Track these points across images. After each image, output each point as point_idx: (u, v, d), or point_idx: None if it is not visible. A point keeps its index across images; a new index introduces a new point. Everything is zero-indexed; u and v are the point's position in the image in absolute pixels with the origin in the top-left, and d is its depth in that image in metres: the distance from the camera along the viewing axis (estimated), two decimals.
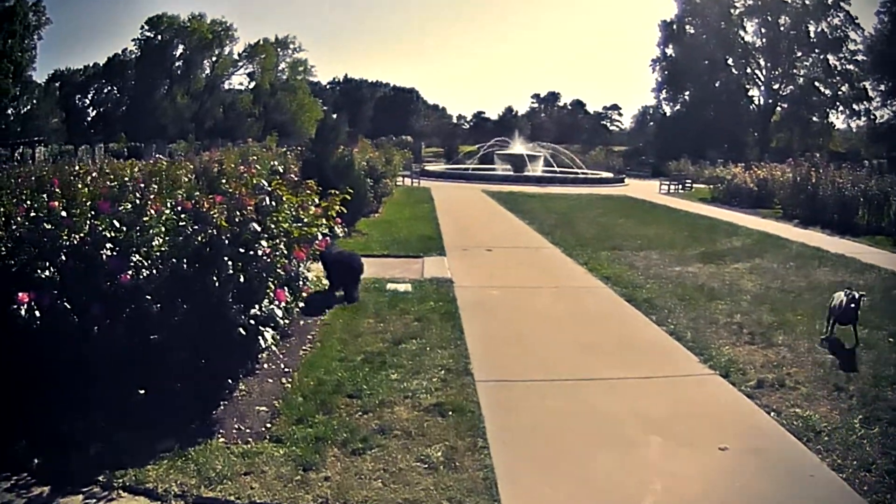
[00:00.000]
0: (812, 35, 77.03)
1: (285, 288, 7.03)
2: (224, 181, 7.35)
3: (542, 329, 9.72)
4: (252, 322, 6.44)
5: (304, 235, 7.75)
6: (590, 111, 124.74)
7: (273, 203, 6.86)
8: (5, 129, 66.73)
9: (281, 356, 8.11)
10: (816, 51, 76.96)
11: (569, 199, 32.79)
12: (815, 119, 79.05)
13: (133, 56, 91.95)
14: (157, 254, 6.48)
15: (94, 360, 6.04)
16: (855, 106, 76.13)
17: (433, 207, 26.30)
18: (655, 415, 6.76)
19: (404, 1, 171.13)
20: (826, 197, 25.16)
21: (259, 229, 6.37)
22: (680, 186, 42.37)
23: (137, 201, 6.63)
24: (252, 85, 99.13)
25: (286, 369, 7.75)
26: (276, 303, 6.66)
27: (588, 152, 71.99)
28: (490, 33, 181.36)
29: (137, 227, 6.45)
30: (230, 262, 6.20)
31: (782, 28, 77.53)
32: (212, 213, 6.25)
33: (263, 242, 6.47)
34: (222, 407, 6.65)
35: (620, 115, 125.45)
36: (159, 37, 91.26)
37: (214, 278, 6.20)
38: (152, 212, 6.61)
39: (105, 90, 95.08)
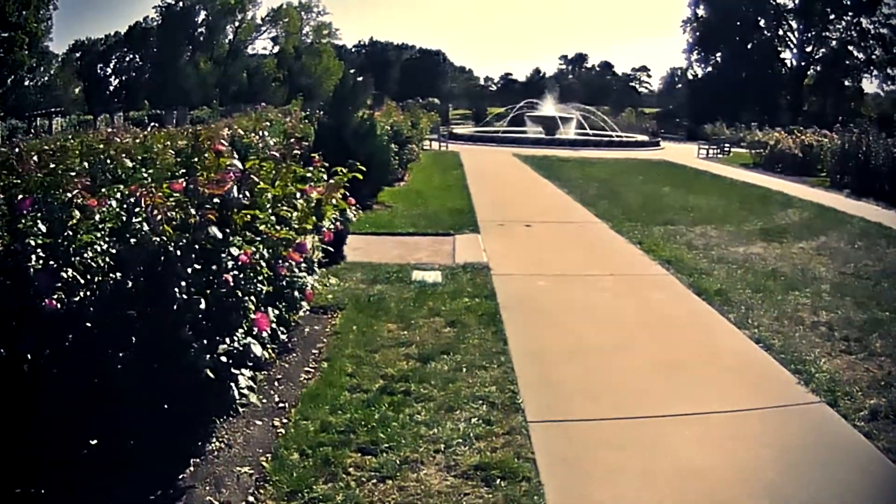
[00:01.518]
0: None
1: (270, 308, 5.24)
2: (196, 160, 5.55)
3: (605, 338, 7.82)
4: (224, 359, 4.66)
5: (295, 234, 5.93)
6: (618, 73, 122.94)
7: (243, 195, 4.89)
8: (23, 101, 65.58)
9: (276, 383, 6.36)
10: (850, 13, 74.29)
11: (606, 164, 30.67)
12: (847, 83, 76.88)
13: (155, 23, 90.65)
14: (96, 268, 4.71)
15: (31, 404, 4.43)
16: (889, 70, 73.76)
17: (463, 174, 24.31)
18: (761, 470, 5.04)
19: None
20: (878, 166, 23.14)
21: (221, 235, 4.49)
22: (719, 151, 40.30)
23: (69, 195, 4.81)
24: (276, 49, 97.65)
25: (281, 403, 5.97)
26: (256, 332, 4.85)
27: (619, 114, 69.59)
28: None
29: (68, 231, 4.67)
30: (185, 283, 4.40)
31: None
32: (156, 212, 4.35)
33: (235, 251, 4.66)
34: (192, 468, 4.88)
35: (649, 76, 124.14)
36: (181, 3, 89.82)
37: (167, 304, 4.41)
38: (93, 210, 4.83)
39: (127, 59, 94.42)
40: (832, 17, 75.20)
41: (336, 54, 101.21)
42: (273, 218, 5.63)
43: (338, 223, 8.44)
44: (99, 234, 4.79)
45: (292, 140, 17.45)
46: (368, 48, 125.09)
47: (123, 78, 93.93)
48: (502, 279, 9.95)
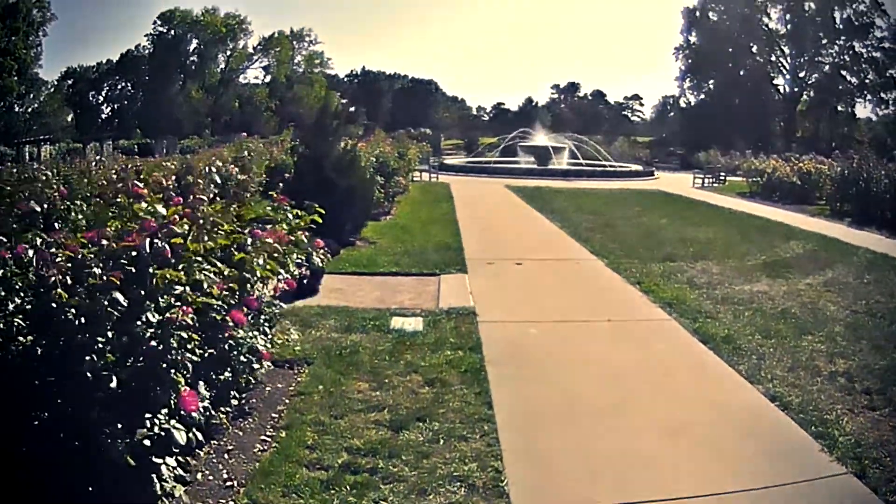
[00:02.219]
0: (838, 21, 74.33)
1: (202, 382, 4.39)
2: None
3: (603, 397, 6.96)
4: (146, 444, 3.82)
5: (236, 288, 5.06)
6: (610, 101, 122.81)
7: (159, 249, 3.97)
8: (12, 128, 64.90)
9: (227, 455, 5.51)
10: (842, 38, 74.36)
11: (600, 195, 29.88)
12: (840, 108, 76.68)
13: (146, 51, 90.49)
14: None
15: None
16: (882, 94, 73.61)
17: (452, 207, 23.51)
18: None
19: None
20: (880, 193, 22.58)
21: (126, 302, 3.63)
22: (714, 180, 39.78)
23: None
24: (268, 78, 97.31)
25: (229, 481, 5.12)
26: (183, 413, 3.99)
27: (611, 143, 69.05)
28: (508, 23, 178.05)
29: None
30: (92, 356, 3.56)
31: (807, 14, 74.96)
32: (53, 270, 3.49)
33: (151, 316, 3.81)
34: None
35: (642, 104, 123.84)
36: (172, 31, 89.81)
37: (71, 381, 3.57)
38: None
39: (119, 86, 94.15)
40: (825, 41, 75.17)
41: (328, 84, 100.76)
42: (209, 275, 4.68)
43: (304, 268, 7.56)
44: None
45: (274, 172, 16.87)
46: (360, 77, 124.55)
47: (115, 106, 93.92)
48: (489, 327, 9.10)
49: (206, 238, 4.67)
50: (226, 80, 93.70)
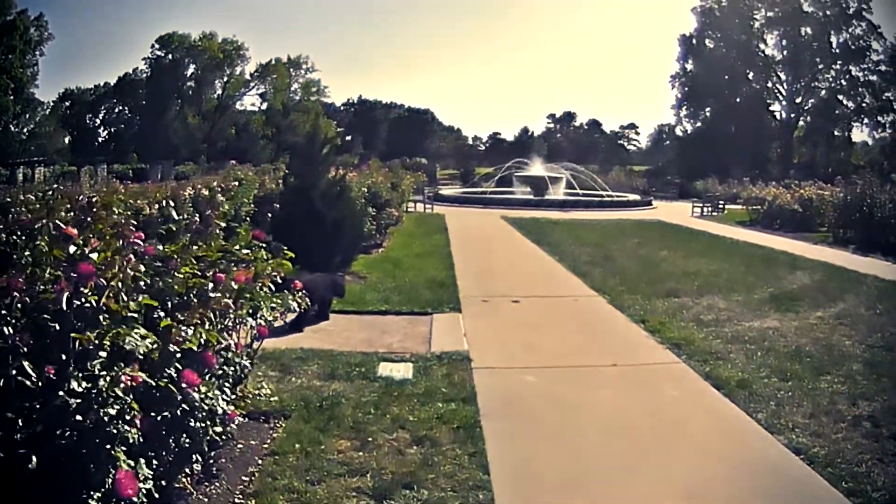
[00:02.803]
0: (834, 46, 74.72)
1: (152, 452, 3.70)
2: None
3: (610, 456, 6.25)
4: None
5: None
6: (606, 130, 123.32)
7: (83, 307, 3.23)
8: (7, 148, 64.35)
9: None
10: (839, 62, 74.56)
11: (598, 225, 29.31)
12: (837, 133, 76.79)
13: (144, 75, 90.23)
14: None
15: None
16: (879, 118, 73.78)
17: (447, 240, 22.84)
18: None
19: (418, 22, 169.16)
20: (885, 218, 22.40)
21: (35, 376, 2.92)
22: (713, 209, 39.38)
23: None
24: (264, 105, 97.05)
25: None
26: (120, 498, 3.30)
27: (607, 172, 68.68)
28: (505, 53, 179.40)
29: None
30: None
31: (804, 39, 75.10)
32: None
33: (76, 385, 3.12)
34: None
35: (637, 133, 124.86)
36: (170, 56, 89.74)
37: None
38: None
39: (116, 110, 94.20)
40: (821, 66, 75.29)
41: (325, 112, 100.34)
42: (135, 339, 3.90)
43: (278, 314, 6.86)
44: None
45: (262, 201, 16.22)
46: (357, 106, 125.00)
47: (112, 129, 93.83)
48: (485, 374, 8.41)
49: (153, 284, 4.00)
50: (222, 106, 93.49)
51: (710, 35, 79.12)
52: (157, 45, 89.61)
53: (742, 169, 58.61)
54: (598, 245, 21.68)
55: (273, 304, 6.30)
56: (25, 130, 75.44)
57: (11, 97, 63.36)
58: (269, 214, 15.91)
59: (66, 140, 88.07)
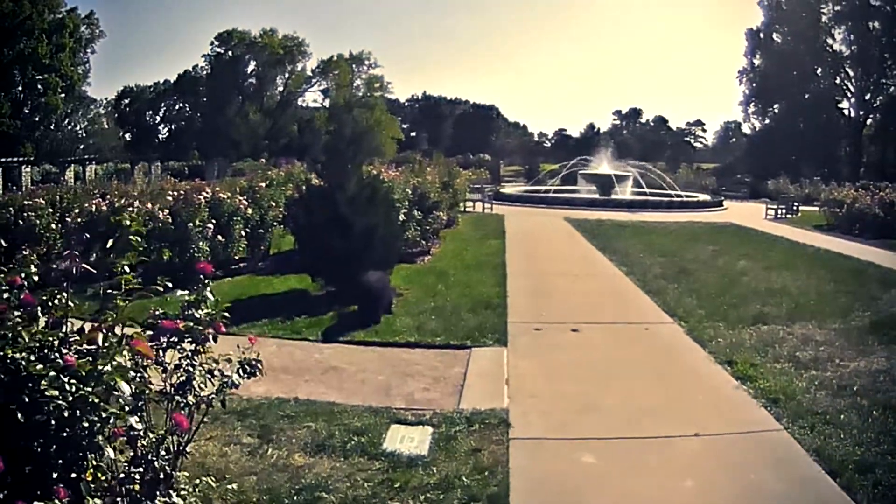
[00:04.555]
0: None
1: None
2: None
3: None
4: None
5: None
6: (672, 127, 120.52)
7: None
8: (58, 146, 63.94)
9: None
10: None
11: (668, 230, 26.62)
12: None
13: (204, 72, 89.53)
14: None
15: None
16: None
17: (503, 246, 20.60)
18: None
19: (483, 17, 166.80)
20: None
21: None
22: (787, 210, 36.64)
23: None
24: (326, 102, 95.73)
25: None
26: None
27: (675, 171, 65.64)
28: (571, 48, 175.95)
29: None
30: None
31: (872, 34, 70.68)
32: None
33: None
34: None
35: (704, 130, 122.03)
36: (230, 52, 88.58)
37: None
38: None
39: (177, 107, 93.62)
40: (890, 62, 70.91)
41: (388, 108, 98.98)
42: None
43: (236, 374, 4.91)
44: None
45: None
46: (421, 102, 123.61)
47: (173, 126, 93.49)
48: (526, 451, 6.25)
49: None
50: (284, 103, 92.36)
51: (778, 29, 75.24)
52: (216, 42, 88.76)
53: (811, 168, 56.10)
54: (670, 254, 19.29)
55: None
56: (78, 128, 75.26)
57: (62, 95, 62.61)
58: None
59: (127, 137, 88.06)
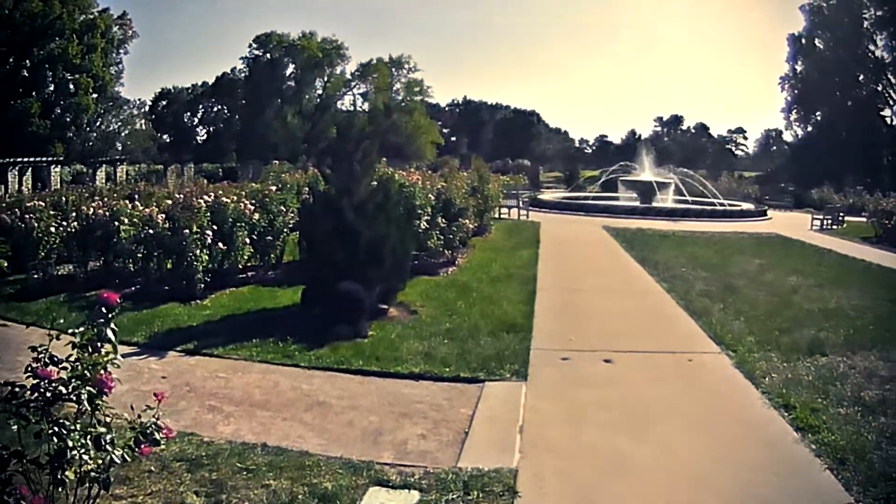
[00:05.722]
0: None
1: None
2: None
3: None
4: None
5: None
6: (713, 134, 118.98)
7: None
8: (89, 147, 63.64)
9: None
10: None
11: (711, 241, 24.99)
12: None
13: (242, 74, 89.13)
14: None
15: None
16: None
17: (535, 257, 19.15)
18: None
19: (524, 23, 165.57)
20: None
21: None
22: (832, 221, 34.85)
23: None
24: (366, 105, 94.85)
25: None
26: None
27: (716, 178, 63.69)
28: (612, 54, 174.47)
29: None
30: None
31: None
32: None
33: None
34: None
35: (745, 138, 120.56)
36: (268, 55, 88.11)
37: None
38: None
39: (215, 109, 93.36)
40: None
41: (428, 112, 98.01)
42: None
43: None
44: None
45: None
46: (462, 107, 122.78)
47: (211, 128, 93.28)
48: None
49: None
50: (323, 106, 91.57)
51: (820, 35, 73.14)
52: (254, 45, 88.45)
53: (854, 177, 54.51)
54: (715, 268, 17.73)
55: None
56: (110, 129, 74.96)
57: (94, 96, 62.19)
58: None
59: (165, 139, 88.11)
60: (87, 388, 3.67)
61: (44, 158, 44.75)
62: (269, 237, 14.96)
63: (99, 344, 3.99)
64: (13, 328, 8.99)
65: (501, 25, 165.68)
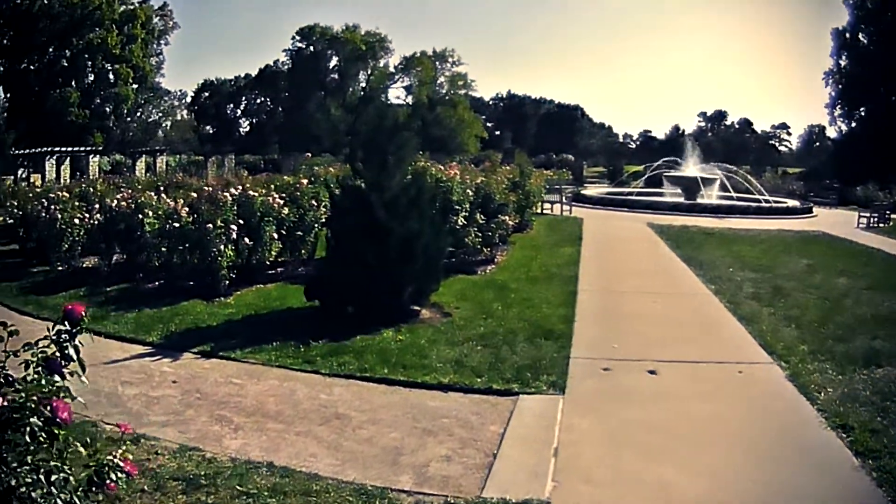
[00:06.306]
0: None
1: None
2: None
3: None
4: None
5: None
6: (757, 130, 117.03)
7: None
8: (129, 137, 63.90)
9: None
10: None
11: (757, 239, 24.07)
12: None
13: (285, 67, 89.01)
14: None
15: None
16: None
17: (577, 254, 18.41)
18: None
19: (568, 17, 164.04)
20: None
21: None
22: (879, 219, 33.72)
23: None
24: (409, 99, 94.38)
25: None
26: None
27: (760, 174, 62.30)
28: (656, 49, 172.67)
29: None
30: None
31: None
32: None
33: None
34: None
35: (789, 133, 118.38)
36: (311, 48, 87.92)
37: None
38: None
39: (258, 101, 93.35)
40: None
41: (472, 106, 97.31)
42: None
43: None
44: None
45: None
46: (506, 101, 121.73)
47: (254, 120, 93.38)
48: None
49: None
50: (366, 99, 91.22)
51: (863, 29, 70.42)
52: (297, 37, 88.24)
53: None
54: (762, 268, 16.89)
55: None
56: (150, 119, 75.25)
57: (134, 86, 62.44)
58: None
59: (207, 129, 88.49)
60: (34, 418, 3.09)
61: (82, 148, 44.77)
62: (300, 232, 14.46)
63: (62, 363, 3.42)
64: (25, 323, 8.54)
65: (545, 19, 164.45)
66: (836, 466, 6.11)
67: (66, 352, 3.40)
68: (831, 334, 10.51)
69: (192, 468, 5.59)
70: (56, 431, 3.24)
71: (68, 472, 3.25)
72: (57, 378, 3.36)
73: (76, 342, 3.45)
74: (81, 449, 3.29)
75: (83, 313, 3.51)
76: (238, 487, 5.23)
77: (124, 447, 3.44)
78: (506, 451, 6.14)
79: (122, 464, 3.31)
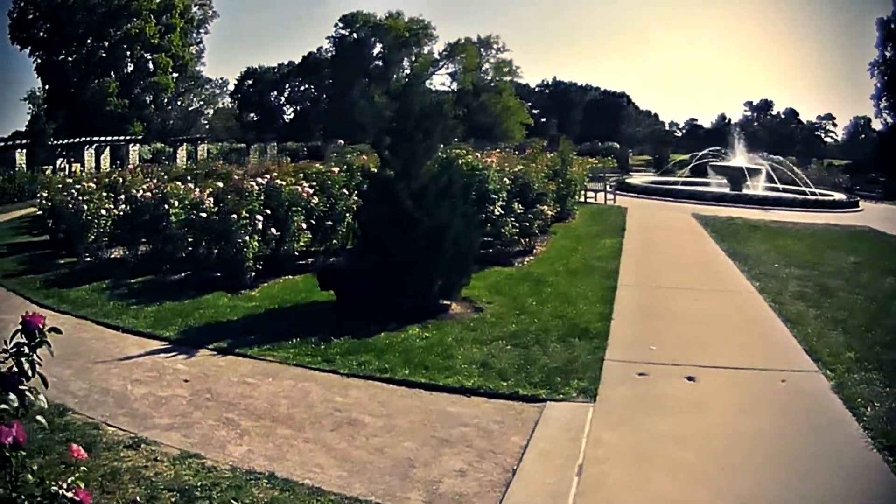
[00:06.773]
0: None
1: None
2: None
3: None
4: None
5: None
6: (803, 121, 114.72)
7: None
8: (169, 126, 64.28)
9: None
10: None
11: (803, 233, 23.15)
12: None
13: (329, 54, 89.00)
14: None
15: None
16: None
17: (619, 247, 17.82)
18: None
19: (613, 2, 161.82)
20: None
21: None
22: None
23: None
24: (454, 86, 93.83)
25: None
26: None
27: (805, 166, 60.75)
28: (703, 37, 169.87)
29: None
30: None
31: None
32: None
33: None
34: None
35: (835, 125, 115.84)
36: (354, 35, 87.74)
37: None
38: None
39: (301, 88, 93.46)
40: None
41: (517, 93, 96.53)
42: None
43: None
44: None
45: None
46: (551, 88, 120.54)
47: (298, 108, 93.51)
48: None
49: None
50: (408, 86, 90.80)
51: None
52: (340, 24, 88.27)
53: None
54: (808, 265, 16.12)
55: None
56: (192, 108, 75.79)
57: (174, 75, 63.22)
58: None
59: (251, 117, 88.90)
60: None
61: (122, 137, 45.02)
62: (330, 222, 14.12)
63: (20, 379, 3.05)
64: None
65: (590, 6, 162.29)
66: (883, 496, 5.57)
67: (23, 367, 3.04)
68: (878, 340, 9.79)
69: (190, 477, 5.26)
70: (8, 455, 2.89)
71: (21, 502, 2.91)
72: (12, 396, 3.01)
73: (36, 356, 3.09)
74: (29, 477, 2.92)
75: (42, 325, 3.13)
76: (233, 502, 4.86)
77: (78, 473, 3.06)
78: (526, 467, 5.67)
79: (70, 494, 2.94)
